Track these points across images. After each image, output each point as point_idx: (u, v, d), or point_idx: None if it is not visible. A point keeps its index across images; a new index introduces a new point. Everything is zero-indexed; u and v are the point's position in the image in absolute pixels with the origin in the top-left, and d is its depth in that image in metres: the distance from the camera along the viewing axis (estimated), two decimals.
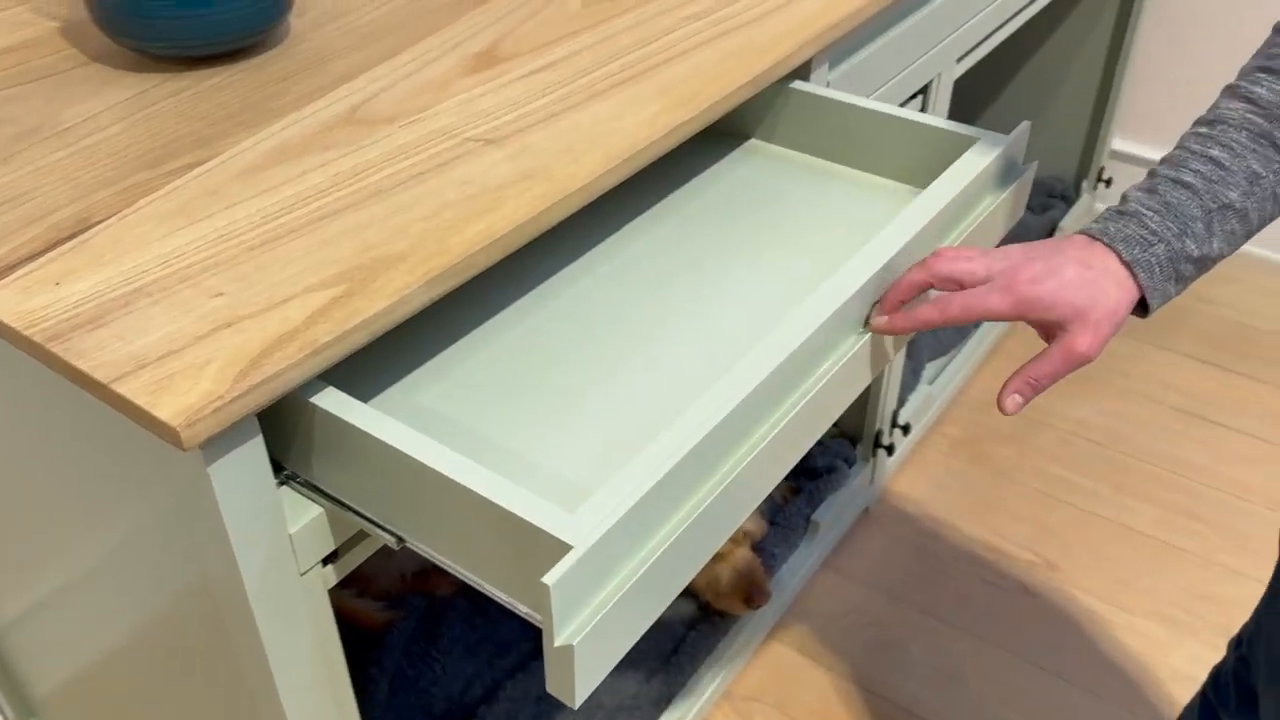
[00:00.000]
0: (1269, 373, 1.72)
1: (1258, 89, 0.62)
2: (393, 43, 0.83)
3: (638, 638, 0.51)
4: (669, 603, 0.53)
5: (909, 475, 1.57)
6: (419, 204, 0.63)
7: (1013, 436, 1.63)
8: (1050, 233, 1.93)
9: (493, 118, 0.73)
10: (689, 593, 1.26)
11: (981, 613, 1.38)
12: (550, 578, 0.45)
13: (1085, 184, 1.98)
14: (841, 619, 1.38)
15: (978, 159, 0.74)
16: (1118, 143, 2.04)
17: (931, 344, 1.68)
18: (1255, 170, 0.61)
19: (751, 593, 1.19)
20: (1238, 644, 0.92)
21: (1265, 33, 1.89)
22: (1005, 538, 1.48)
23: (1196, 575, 1.42)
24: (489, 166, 0.67)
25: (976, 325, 1.74)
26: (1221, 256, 0.64)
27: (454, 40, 0.84)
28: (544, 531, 0.48)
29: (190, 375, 0.51)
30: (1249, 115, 0.62)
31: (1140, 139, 2.02)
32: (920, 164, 0.82)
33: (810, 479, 1.43)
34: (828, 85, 0.93)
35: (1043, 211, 1.96)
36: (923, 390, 1.59)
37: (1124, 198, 0.65)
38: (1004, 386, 0.65)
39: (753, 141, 0.91)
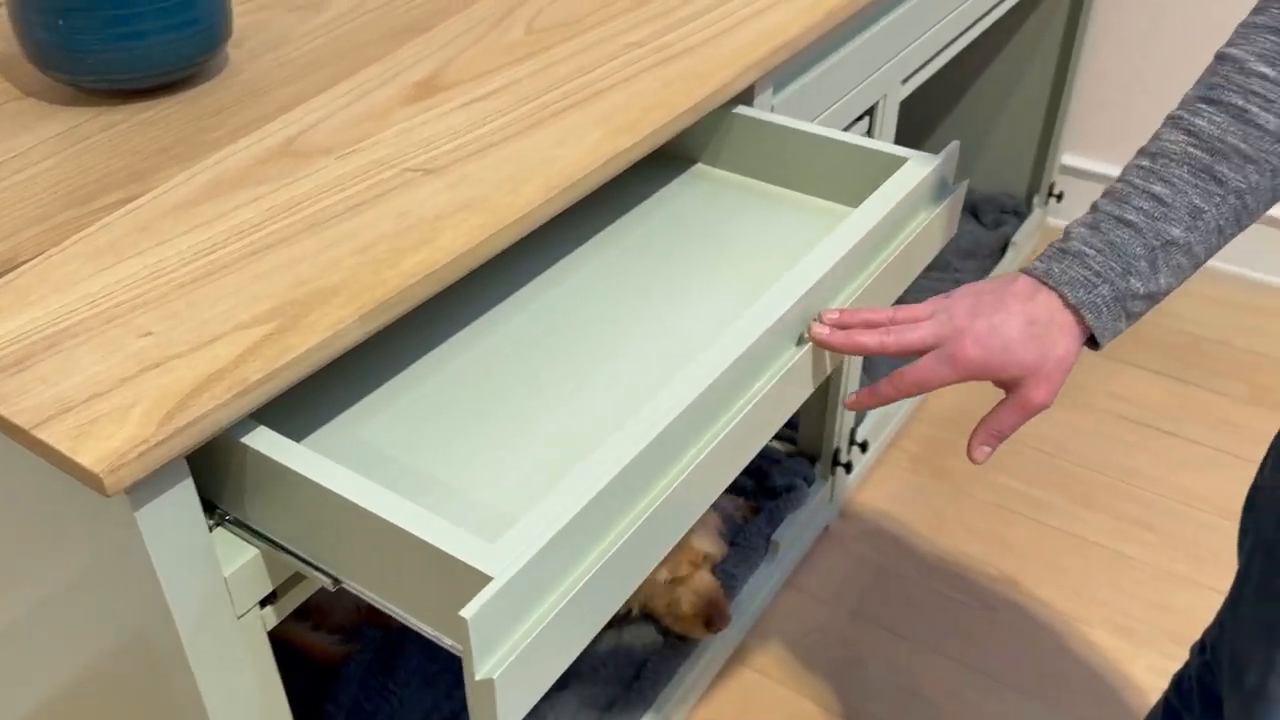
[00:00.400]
0: (1217, 382, 1.75)
1: (1199, 120, 0.62)
2: (331, 73, 0.83)
3: (564, 668, 0.51)
4: (597, 630, 0.52)
5: (869, 491, 1.58)
6: (354, 236, 0.63)
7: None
8: (1003, 248, 1.95)
9: (432, 147, 0.72)
10: (649, 617, 1.25)
11: (943, 629, 1.39)
12: (468, 611, 0.44)
13: (1036, 199, 2.01)
14: (804, 639, 1.38)
15: (907, 178, 0.75)
16: (1068, 158, 2.07)
17: (890, 359, 1.69)
18: (1197, 205, 0.61)
19: (712, 616, 1.18)
20: (1201, 648, 0.93)
21: (1212, 49, 1.93)
22: (964, 552, 1.49)
23: (1151, 584, 1.44)
24: (427, 197, 0.67)
25: None
26: (1170, 290, 0.64)
27: (394, 70, 0.83)
28: (463, 563, 0.47)
29: (115, 419, 0.50)
30: (1190, 149, 0.62)
31: (1090, 154, 2.05)
32: (858, 185, 0.82)
33: (770, 498, 1.43)
34: (772, 110, 0.93)
35: (995, 227, 1.99)
36: (878, 409, 1.60)
37: (1067, 233, 0.64)
38: (971, 438, 0.68)
39: (698, 166, 0.92)
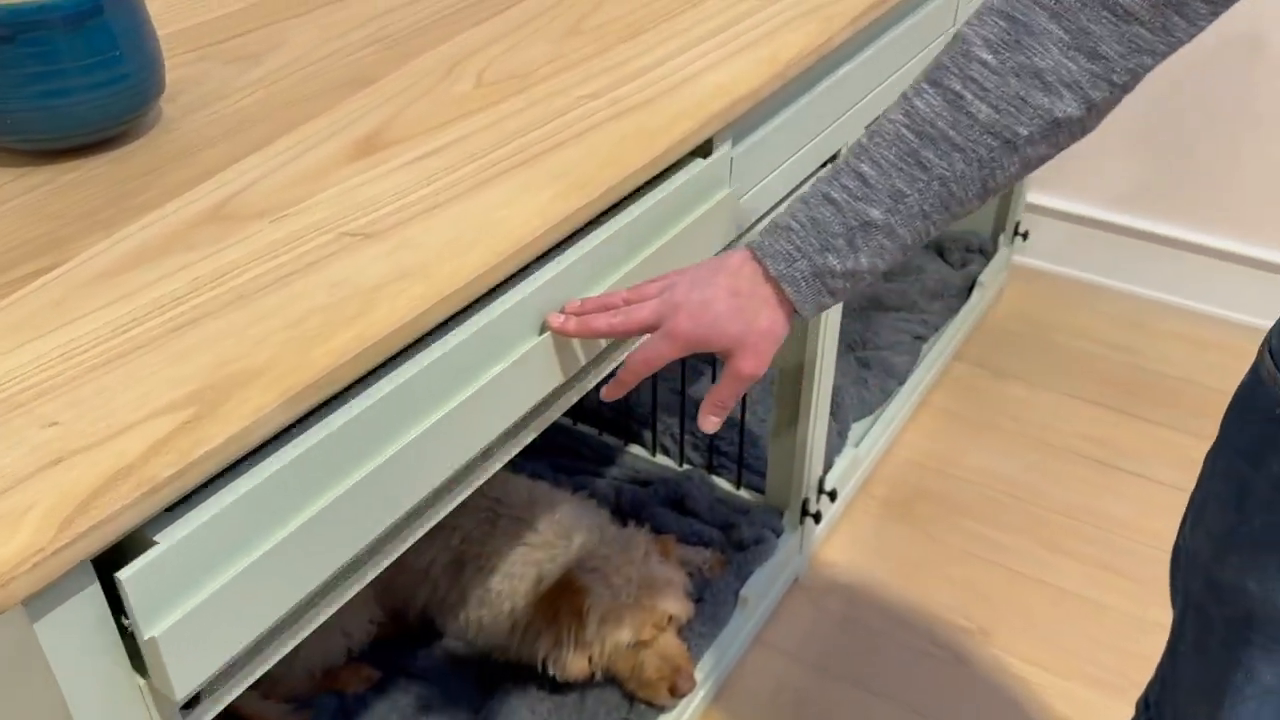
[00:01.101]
0: (1182, 420, 1.74)
1: (918, 101, 0.60)
2: (269, 129, 0.79)
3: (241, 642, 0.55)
4: (275, 614, 0.56)
5: (838, 540, 1.55)
6: (284, 310, 0.59)
7: (939, 495, 1.61)
8: (969, 287, 1.94)
9: (372, 209, 0.68)
10: (613, 681, 1.20)
11: (914, 683, 1.35)
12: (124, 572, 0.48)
13: (1003, 238, 2.00)
14: (773, 697, 1.34)
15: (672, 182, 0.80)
16: (1033, 196, 2.07)
17: (857, 405, 1.67)
18: (900, 189, 0.60)
19: (677, 681, 1.14)
20: (1145, 705, 0.90)
21: (1174, 83, 1.96)
22: (936, 601, 1.45)
23: (1123, 632, 1.41)
24: (364, 265, 0.63)
25: (900, 384, 1.73)
26: (875, 270, 0.64)
27: (337, 125, 0.80)
28: None
29: (9, 524, 0.45)
30: (902, 130, 0.60)
31: (1056, 192, 2.05)
32: None
33: (738, 550, 1.39)
34: (731, 162, 0.90)
35: (961, 266, 1.98)
36: (849, 453, 1.57)
37: (787, 207, 0.66)
38: (700, 412, 0.71)
39: None
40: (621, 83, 0.86)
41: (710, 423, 0.70)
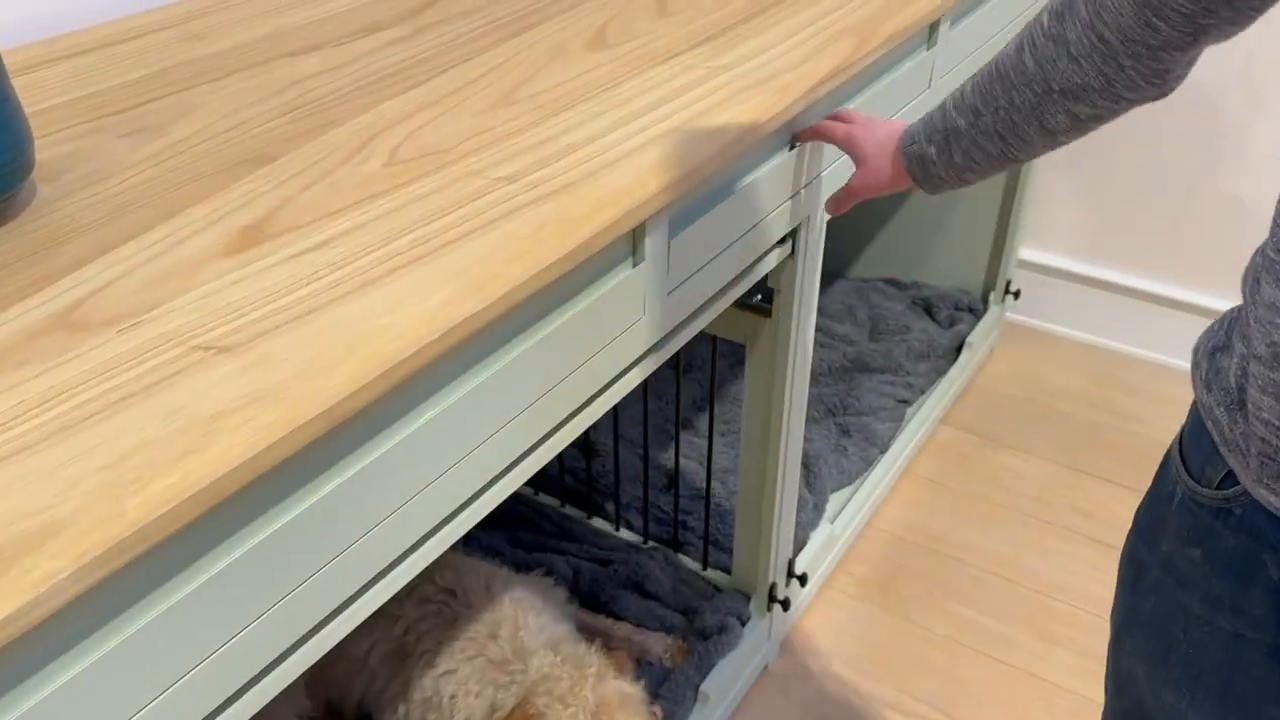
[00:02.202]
0: None
1: (1011, 43, 0.71)
2: (149, 215, 0.72)
3: None
4: None
5: (813, 622, 1.45)
6: (107, 445, 0.51)
7: (923, 574, 1.52)
8: (958, 348, 1.86)
9: (238, 314, 0.61)
10: None
11: None
12: None
13: (993, 296, 1.92)
14: None
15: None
16: (1026, 252, 1.99)
17: (835, 475, 1.58)
18: (978, 108, 0.74)
19: None
20: None
21: (1164, 131, 1.88)
22: (915, 695, 1.36)
23: None
24: (213, 385, 0.55)
25: (882, 452, 1.65)
26: (970, 169, 0.78)
27: (223, 210, 0.72)
28: None
29: None
30: (992, 64, 0.73)
31: (1048, 248, 1.97)
32: None
33: (701, 639, 1.30)
34: (668, 251, 0.83)
35: (950, 325, 1.89)
36: (824, 529, 1.48)
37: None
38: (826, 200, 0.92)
39: None
40: (547, 161, 0.79)
41: (829, 207, 0.94)
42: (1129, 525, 0.73)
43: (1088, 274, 1.94)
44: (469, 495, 0.70)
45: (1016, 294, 1.93)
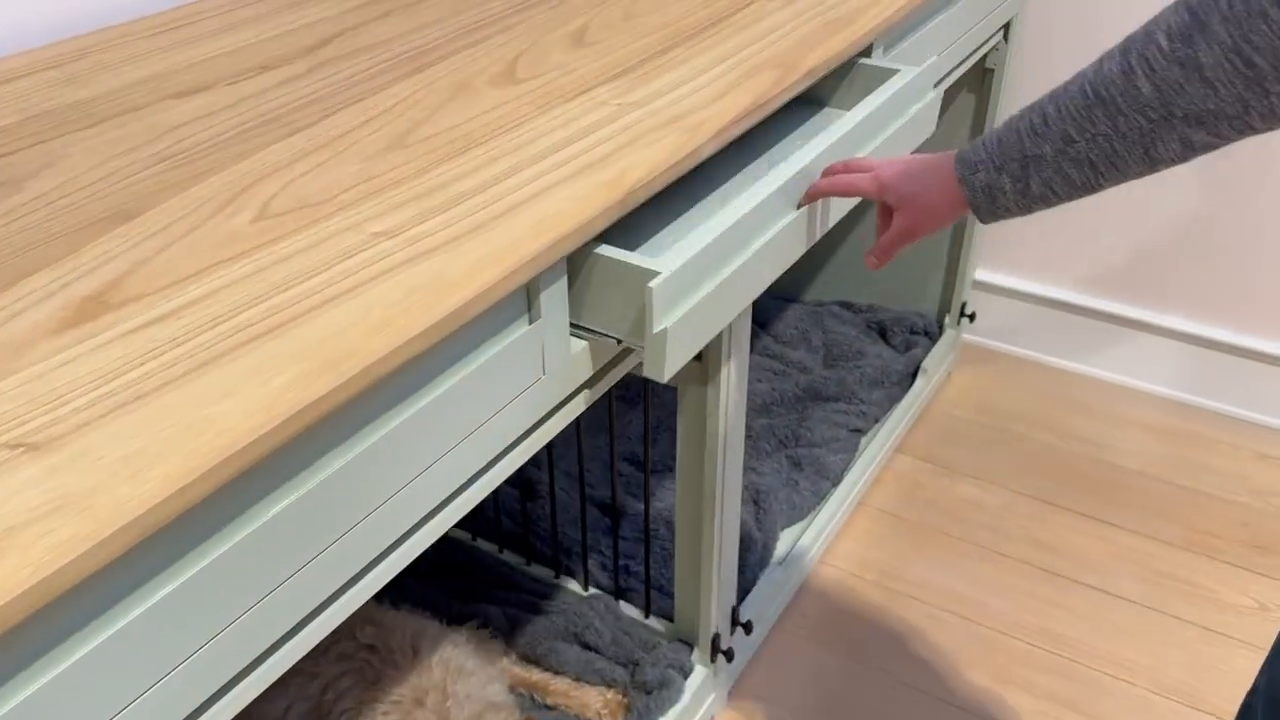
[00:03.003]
0: (1143, 522, 1.60)
1: (1107, 64, 0.68)
2: None
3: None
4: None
5: (763, 668, 1.40)
6: None
7: (877, 614, 1.47)
8: (913, 374, 1.81)
9: (60, 403, 0.55)
10: None
11: None
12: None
13: (948, 319, 1.87)
14: None
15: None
16: (981, 273, 1.95)
17: (786, 511, 1.53)
18: (1070, 134, 0.70)
19: None
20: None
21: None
22: None
23: None
24: (15, 490, 0.49)
25: (835, 484, 1.60)
26: (1045, 198, 0.74)
27: (68, 277, 0.66)
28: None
29: None
30: (1085, 85, 0.69)
31: (1004, 269, 1.93)
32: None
33: (643, 693, 1.24)
34: (569, 303, 0.77)
35: (905, 349, 1.85)
36: (774, 572, 1.43)
37: (999, 126, 0.76)
38: (866, 252, 0.88)
39: None
40: (432, 213, 0.73)
41: (871, 261, 0.87)
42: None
43: (1043, 294, 1.90)
44: (322, 600, 0.64)
45: (972, 316, 1.88)
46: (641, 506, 1.50)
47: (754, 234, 0.84)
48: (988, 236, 1.91)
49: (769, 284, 0.88)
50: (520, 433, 0.77)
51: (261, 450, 0.53)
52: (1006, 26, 1.60)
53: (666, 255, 0.77)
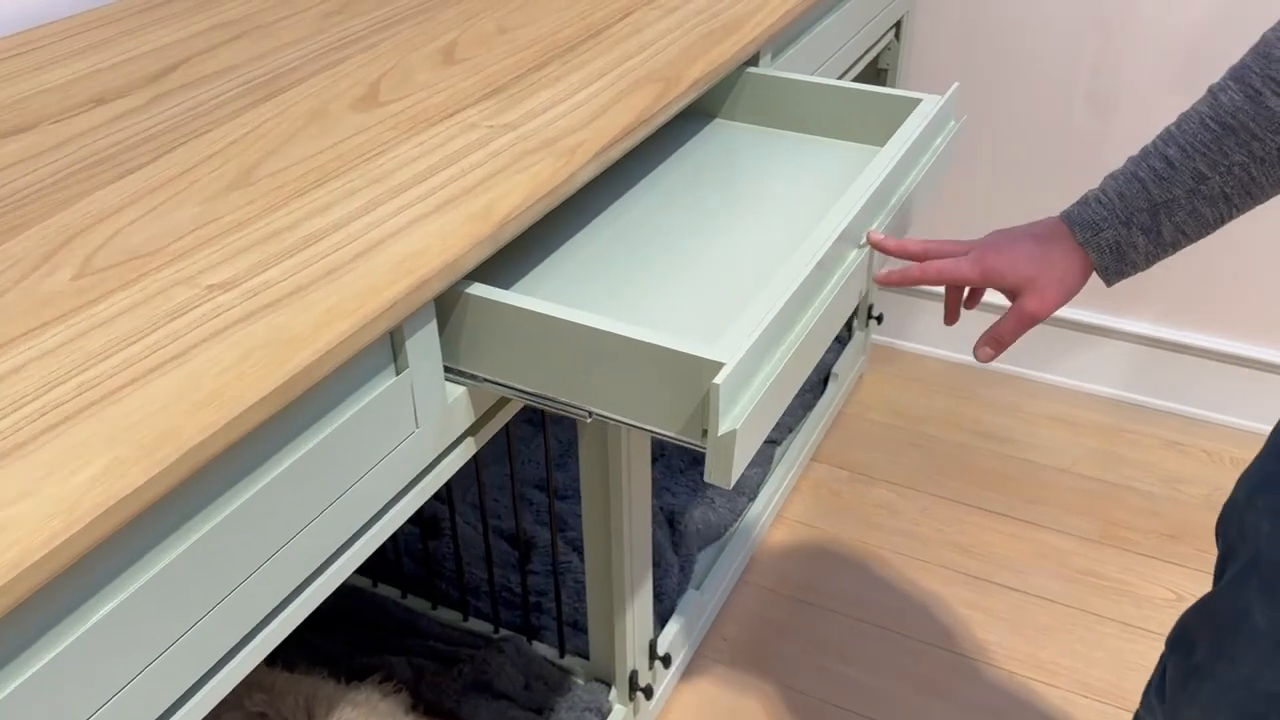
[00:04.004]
0: (1058, 518, 1.60)
1: (1222, 96, 0.67)
2: None
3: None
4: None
5: (685, 698, 1.35)
6: None
7: (798, 630, 1.43)
8: (824, 380, 1.78)
9: None
10: None
11: None
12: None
13: (856, 322, 1.85)
14: None
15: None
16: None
17: (703, 530, 1.48)
18: (1202, 171, 0.69)
19: None
20: (1179, 634, 0.85)
21: (1015, 161, 1.82)
22: None
23: None
24: None
25: (751, 499, 1.56)
26: (1178, 244, 0.72)
27: None
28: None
29: None
30: (1207, 120, 0.68)
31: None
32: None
33: None
34: (441, 347, 0.71)
35: None
36: (692, 598, 1.38)
37: (1101, 183, 0.75)
38: (977, 342, 0.81)
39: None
40: (277, 259, 0.66)
41: (985, 353, 0.80)
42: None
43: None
44: (195, 680, 0.57)
45: (879, 318, 1.86)
46: (548, 535, 1.44)
47: (814, 293, 0.74)
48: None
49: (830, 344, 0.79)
50: (393, 494, 0.70)
51: (62, 559, 0.46)
52: (897, 25, 1.58)
53: (726, 340, 0.65)
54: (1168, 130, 0.71)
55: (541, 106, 0.87)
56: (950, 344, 1.94)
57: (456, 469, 0.77)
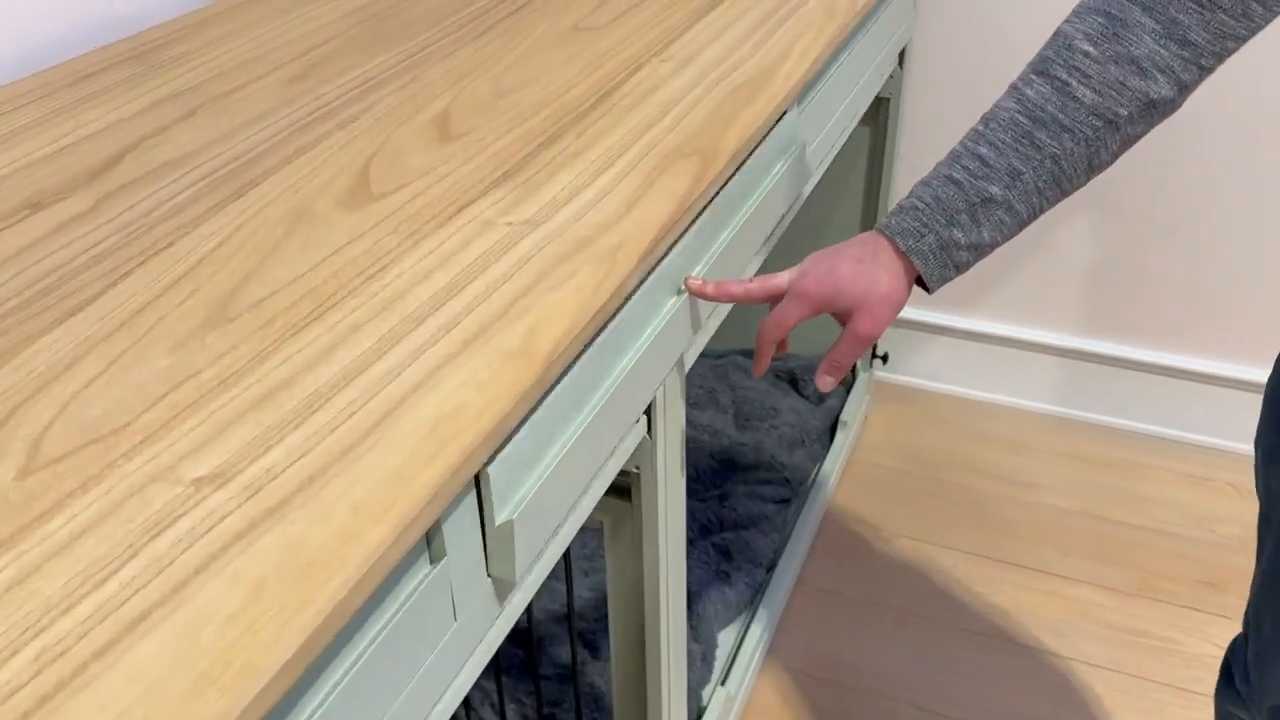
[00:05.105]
0: (1088, 569, 1.50)
1: (1028, 90, 0.68)
2: None
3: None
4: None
5: None
6: None
7: (830, 717, 1.32)
8: (832, 428, 1.67)
9: None
10: None
11: None
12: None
13: (860, 363, 1.75)
14: None
15: None
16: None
17: (722, 612, 1.36)
18: (1016, 167, 0.68)
19: None
20: (1246, 616, 0.84)
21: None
22: None
23: None
24: None
25: (769, 570, 1.44)
26: (995, 243, 0.71)
27: None
28: None
29: None
30: (1016, 116, 0.68)
31: (914, 303, 1.82)
32: None
33: None
34: (484, 532, 0.57)
35: (820, 400, 1.71)
36: (719, 694, 1.26)
37: (910, 192, 0.73)
38: (816, 371, 0.78)
39: None
40: (275, 434, 0.52)
41: (826, 382, 0.78)
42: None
43: (953, 325, 1.80)
44: None
45: (885, 358, 1.76)
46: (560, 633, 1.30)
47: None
48: None
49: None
50: (434, 699, 0.57)
51: None
52: (901, 53, 1.48)
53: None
54: (975, 130, 0.70)
55: (564, 195, 0.75)
56: (956, 378, 1.84)
57: (494, 651, 0.64)
